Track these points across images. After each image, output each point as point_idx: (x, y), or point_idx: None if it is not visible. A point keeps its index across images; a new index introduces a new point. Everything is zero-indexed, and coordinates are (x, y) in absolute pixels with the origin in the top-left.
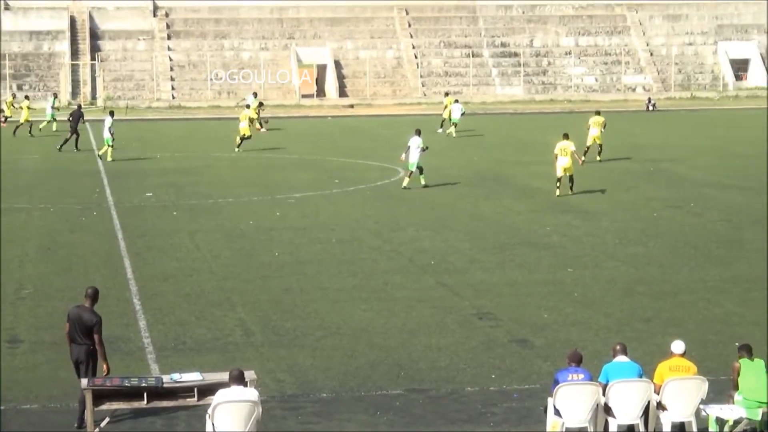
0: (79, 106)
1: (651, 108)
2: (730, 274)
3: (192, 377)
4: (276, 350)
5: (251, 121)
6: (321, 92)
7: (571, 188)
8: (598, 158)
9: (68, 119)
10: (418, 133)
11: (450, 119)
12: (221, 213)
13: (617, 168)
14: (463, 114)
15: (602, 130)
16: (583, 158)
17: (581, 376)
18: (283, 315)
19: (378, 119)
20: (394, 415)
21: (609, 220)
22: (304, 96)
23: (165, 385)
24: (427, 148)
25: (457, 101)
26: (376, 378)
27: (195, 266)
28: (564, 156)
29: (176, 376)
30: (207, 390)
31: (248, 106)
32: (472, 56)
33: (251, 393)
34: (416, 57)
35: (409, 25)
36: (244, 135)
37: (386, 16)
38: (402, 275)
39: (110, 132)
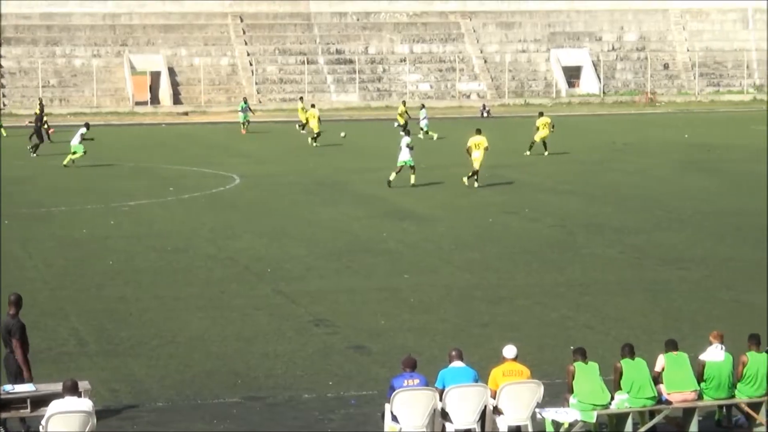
0: (40, 109)
1: (485, 114)
2: (565, 279)
3: (25, 388)
4: (110, 360)
5: (312, 119)
6: (155, 99)
7: (476, 180)
8: (545, 153)
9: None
10: (408, 132)
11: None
12: (54, 222)
13: (453, 174)
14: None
15: (551, 130)
16: (527, 153)
17: (417, 381)
18: (117, 324)
19: (213, 126)
20: (232, 423)
21: (445, 225)
22: (137, 103)
23: None
24: (412, 147)
25: (423, 106)
26: (212, 386)
27: (27, 276)
28: (477, 150)
29: (9, 387)
30: (40, 401)
31: (313, 105)
32: (307, 63)
33: (85, 403)
34: (251, 64)
35: (244, 32)
36: (314, 131)
37: (220, 23)
38: (238, 283)
39: (80, 141)
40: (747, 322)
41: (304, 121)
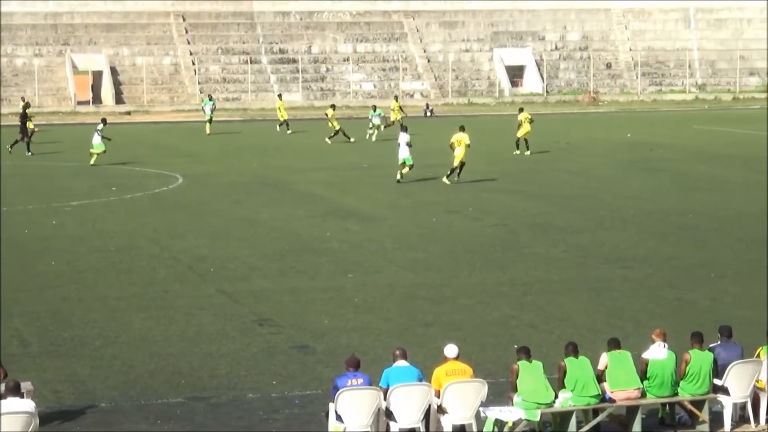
0: (23, 106)
1: (429, 114)
2: (507, 278)
3: None
4: (53, 360)
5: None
6: (97, 99)
7: (458, 174)
8: (527, 152)
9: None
10: (405, 129)
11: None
12: None
13: (396, 173)
14: (378, 115)
15: (529, 127)
16: (517, 152)
17: (360, 380)
18: (60, 325)
19: (155, 126)
20: (176, 423)
21: (388, 225)
22: (79, 103)
23: None
24: (411, 144)
25: (374, 107)
26: (156, 386)
27: None
28: (458, 146)
29: None
30: None
31: (333, 106)
32: (251, 62)
33: (28, 404)
34: (194, 63)
35: (186, 32)
36: (335, 129)
37: (163, 22)
38: (181, 283)
39: (100, 138)
40: (690, 320)
41: (282, 119)
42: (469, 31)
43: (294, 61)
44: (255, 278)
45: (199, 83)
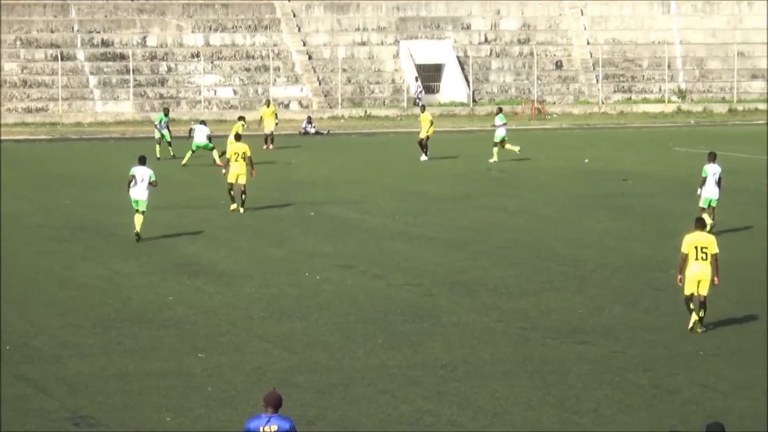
0: None
1: (310, 131)
2: (421, 358)
3: None
4: None
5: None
6: None
7: (242, 204)
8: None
9: None
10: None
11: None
12: None
13: (264, 215)
14: (209, 138)
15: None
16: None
17: (275, 428)
18: None
19: None
20: None
21: (254, 284)
22: None
23: None
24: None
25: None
26: None
27: None
28: (237, 162)
29: None
30: None
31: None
32: (62, 59)
33: None
34: None
35: None
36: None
37: None
38: None
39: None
40: (670, 413)
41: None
42: (366, 16)
43: (122, 57)
44: (68, 359)
45: None
